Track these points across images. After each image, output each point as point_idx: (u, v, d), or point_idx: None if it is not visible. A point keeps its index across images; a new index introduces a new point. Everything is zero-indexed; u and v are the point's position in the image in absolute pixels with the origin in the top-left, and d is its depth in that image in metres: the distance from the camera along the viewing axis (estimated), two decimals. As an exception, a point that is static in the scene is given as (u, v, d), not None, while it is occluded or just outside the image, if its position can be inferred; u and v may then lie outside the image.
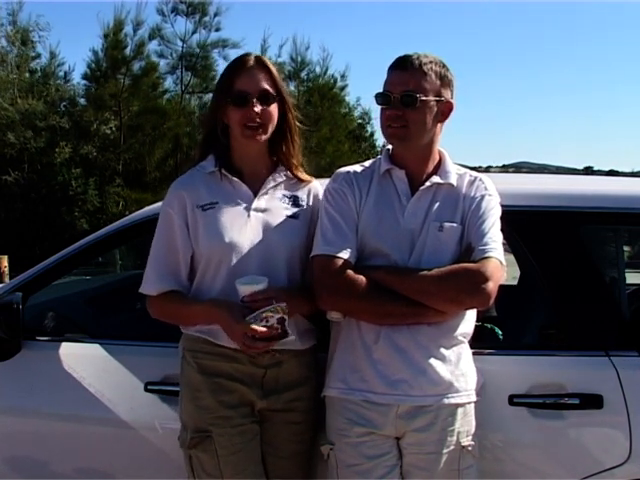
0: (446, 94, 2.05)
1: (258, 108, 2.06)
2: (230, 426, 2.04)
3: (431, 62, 2.02)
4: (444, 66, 2.05)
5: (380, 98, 2.04)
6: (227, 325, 1.99)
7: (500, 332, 2.36)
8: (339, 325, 2.09)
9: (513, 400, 2.14)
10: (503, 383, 2.14)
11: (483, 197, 2.06)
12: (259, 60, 2.10)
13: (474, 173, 2.14)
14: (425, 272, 1.96)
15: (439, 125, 2.08)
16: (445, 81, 2.04)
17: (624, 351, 2.16)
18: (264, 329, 1.92)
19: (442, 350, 1.99)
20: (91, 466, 2.50)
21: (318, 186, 2.24)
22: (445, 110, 2.06)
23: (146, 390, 2.37)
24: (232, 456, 2.03)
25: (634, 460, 2.08)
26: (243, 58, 2.10)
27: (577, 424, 2.13)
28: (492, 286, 1.92)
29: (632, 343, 2.18)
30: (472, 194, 2.07)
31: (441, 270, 1.95)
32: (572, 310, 2.23)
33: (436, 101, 2.02)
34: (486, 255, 1.96)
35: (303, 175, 2.21)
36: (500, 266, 1.97)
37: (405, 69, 2.02)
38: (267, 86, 2.09)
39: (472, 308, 2.04)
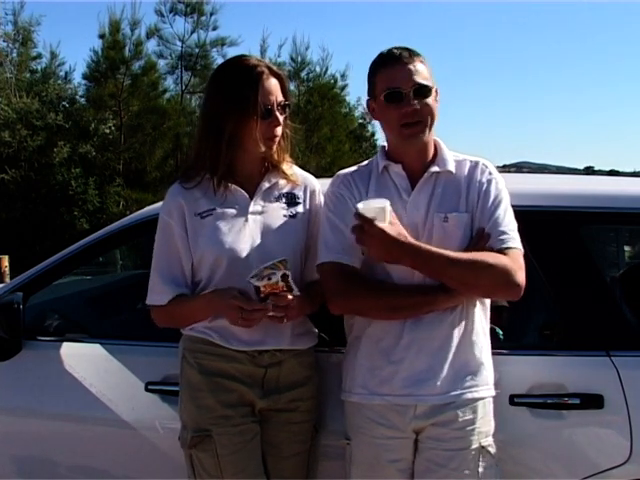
0: (433, 79, 2.02)
1: (281, 118, 2.07)
2: (230, 425, 2.04)
3: (417, 52, 2.00)
4: (421, 54, 2.03)
5: (392, 96, 1.96)
6: (224, 298, 1.98)
7: (501, 332, 2.36)
8: (355, 328, 2.07)
9: (514, 400, 2.15)
10: (504, 383, 2.13)
11: (490, 182, 2.02)
12: (271, 70, 2.08)
13: (474, 158, 2.08)
14: (459, 257, 1.88)
15: None
16: (428, 66, 2.02)
17: (625, 351, 2.16)
18: (265, 286, 1.91)
19: (461, 347, 1.98)
20: (92, 466, 2.51)
21: (314, 181, 2.24)
22: (436, 96, 2.03)
23: (147, 390, 2.38)
24: (232, 455, 2.03)
25: (635, 460, 2.08)
26: (257, 70, 2.05)
27: (578, 424, 2.13)
28: (522, 277, 1.91)
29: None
30: (477, 179, 2.02)
31: (473, 258, 1.88)
32: (572, 310, 2.23)
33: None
34: (508, 245, 1.94)
35: (292, 173, 2.18)
36: (522, 254, 1.96)
37: (404, 62, 1.97)
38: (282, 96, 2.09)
39: (505, 299, 2.07)
